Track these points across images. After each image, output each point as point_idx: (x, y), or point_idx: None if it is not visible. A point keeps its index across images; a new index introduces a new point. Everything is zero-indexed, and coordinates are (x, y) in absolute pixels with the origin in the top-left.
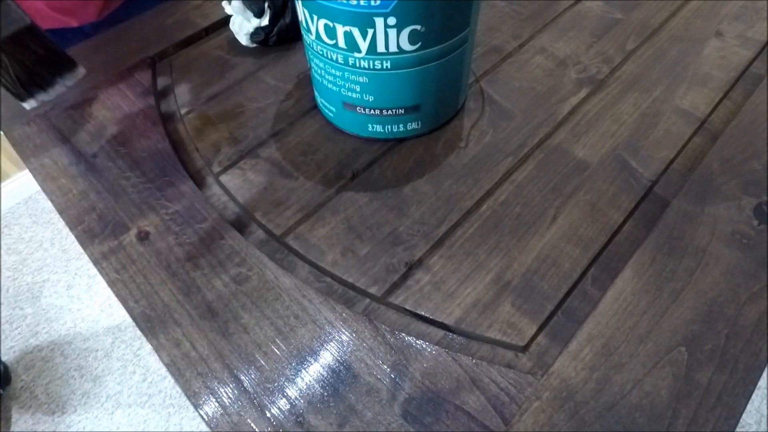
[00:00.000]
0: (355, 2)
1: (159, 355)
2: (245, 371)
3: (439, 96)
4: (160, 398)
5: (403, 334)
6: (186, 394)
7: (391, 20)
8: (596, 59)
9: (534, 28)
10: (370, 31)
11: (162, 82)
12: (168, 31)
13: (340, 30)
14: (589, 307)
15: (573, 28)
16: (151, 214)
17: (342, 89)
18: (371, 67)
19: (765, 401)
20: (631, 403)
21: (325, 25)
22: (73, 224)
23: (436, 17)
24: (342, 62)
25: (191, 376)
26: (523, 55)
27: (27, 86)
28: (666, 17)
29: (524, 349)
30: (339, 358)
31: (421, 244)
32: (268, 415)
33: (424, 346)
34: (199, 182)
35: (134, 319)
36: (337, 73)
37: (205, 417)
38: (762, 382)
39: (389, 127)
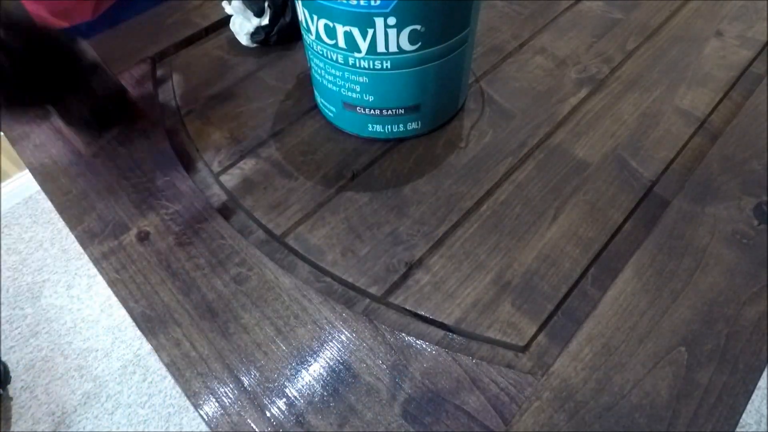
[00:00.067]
0: (355, 2)
1: (159, 355)
2: (245, 371)
3: (439, 96)
4: (160, 398)
5: (403, 334)
6: (186, 394)
7: (391, 20)
8: (596, 59)
9: (534, 28)
10: (370, 31)
11: (162, 82)
12: (168, 31)
13: (340, 30)
14: (589, 307)
15: (573, 28)
16: (151, 214)
17: (342, 89)
18: (371, 67)
19: (765, 401)
20: (631, 403)
21: (325, 25)
22: (73, 224)
23: (436, 17)
24: (342, 62)
25: (191, 376)
26: (523, 55)
27: (94, 125)
28: (666, 17)
29: (524, 349)
30: (339, 358)
31: (421, 244)
32: (268, 415)
33: (424, 346)
34: (199, 182)
35: (134, 319)
36: (337, 73)
37: (205, 417)
38: (762, 382)
39: (389, 127)
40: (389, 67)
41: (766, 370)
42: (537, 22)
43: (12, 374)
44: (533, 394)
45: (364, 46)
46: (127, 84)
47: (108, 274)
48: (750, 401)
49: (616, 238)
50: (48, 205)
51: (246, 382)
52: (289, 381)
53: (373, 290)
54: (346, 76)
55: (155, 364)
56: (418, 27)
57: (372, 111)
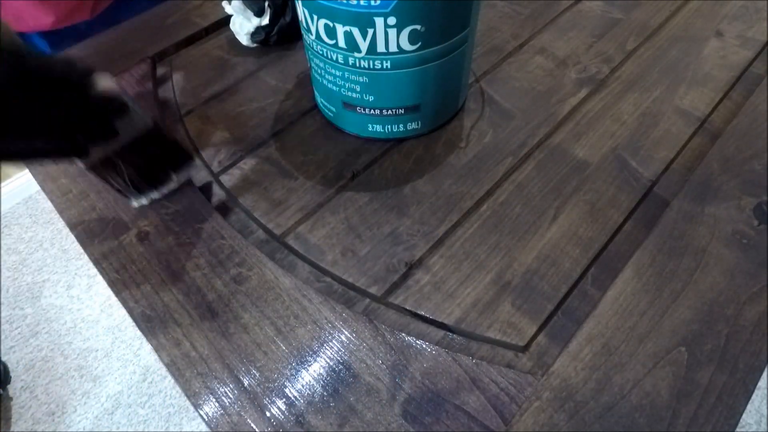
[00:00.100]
0: (355, 2)
1: (159, 355)
2: (245, 371)
3: (439, 96)
4: (160, 398)
5: (403, 334)
6: (186, 394)
7: (391, 20)
8: (596, 59)
9: (534, 28)
10: (370, 31)
11: (162, 82)
12: (168, 31)
13: (340, 30)
14: (589, 307)
15: (573, 28)
16: (151, 214)
17: (342, 89)
18: (371, 67)
19: (765, 401)
20: (631, 403)
21: (325, 25)
22: (73, 224)
23: (436, 17)
24: (342, 62)
25: (191, 376)
26: (523, 55)
27: (139, 188)
28: (666, 17)
29: (524, 349)
30: (339, 358)
31: (421, 244)
32: (268, 415)
33: (424, 346)
34: (199, 182)
35: (134, 319)
36: (337, 73)
37: (205, 417)
38: (762, 382)
39: (389, 127)
40: (389, 67)
41: (766, 370)
42: (537, 22)
43: (12, 374)
44: (533, 394)
45: (364, 46)
46: (127, 84)
47: (108, 274)
48: (750, 401)
49: (616, 238)
50: (48, 205)
51: (246, 382)
52: (289, 381)
53: (373, 290)
54: (346, 76)
55: (155, 364)
56: (418, 27)
57: (372, 111)
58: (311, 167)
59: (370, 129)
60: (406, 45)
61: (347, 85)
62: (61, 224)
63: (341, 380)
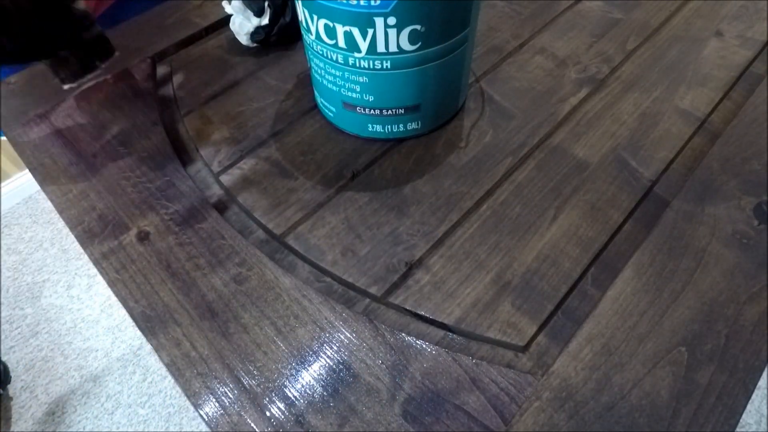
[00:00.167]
0: (355, 2)
1: (159, 355)
2: (245, 371)
3: (439, 96)
4: (160, 398)
5: (403, 334)
6: (186, 394)
7: (391, 20)
8: (596, 59)
9: (534, 28)
10: (370, 31)
11: (162, 82)
12: (168, 31)
13: (340, 30)
14: (589, 307)
15: (573, 28)
16: (151, 214)
17: (342, 89)
18: (371, 67)
19: (765, 401)
20: (631, 403)
21: (325, 25)
22: (73, 224)
23: (436, 17)
24: (342, 62)
25: (191, 376)
26: (523, 55)
27: (74, 72)
28: (666, 17)
29: (524, 349)
30: (339, 358)
31: (421, 244)
32: (268, 415)
33: (424, 346)
34: (199, 182)
35: (134, 319)
36: (337, 73)
37: (205, 417)
38: (762, 382)
39: (389, 127)
40: (389, 67)
41: (766, 370)
42: (537, 22)
43: (12, 374)
44: (533, 394)
45: (364, 46)
46: (126, 83)
47: (108, 274)
48: (750, 401)
49: (616, 238)
50: (48, 205)
51: (246, 382)
52: (289, 381)
53: (373, 290)
54: (346, 76)
55: (155, 364)
56: (418, 27)
57: (372, 111)
58: (311, 167)
59: (370, 129)
60: (406, 45)
61: (347, 85)
62: (61, 224)
63: (341, 380)
